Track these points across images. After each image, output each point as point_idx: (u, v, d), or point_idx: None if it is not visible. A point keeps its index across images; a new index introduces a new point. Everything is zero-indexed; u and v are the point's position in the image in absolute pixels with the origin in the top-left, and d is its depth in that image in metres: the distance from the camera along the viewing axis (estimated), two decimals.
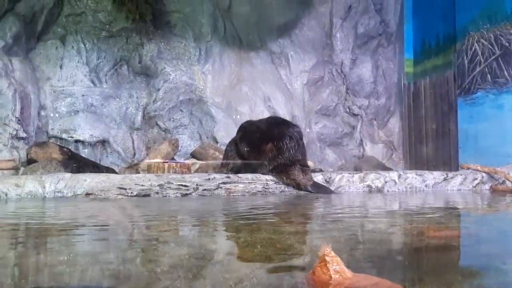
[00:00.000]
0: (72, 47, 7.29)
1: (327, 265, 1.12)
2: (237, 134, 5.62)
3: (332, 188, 4.99)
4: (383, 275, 1.34)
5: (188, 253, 1.71)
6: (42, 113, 7.05)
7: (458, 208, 3.61)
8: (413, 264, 1.55)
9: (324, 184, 5.02)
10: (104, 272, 1.37)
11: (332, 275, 1.11)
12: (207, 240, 2.04)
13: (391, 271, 1.40)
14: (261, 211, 3.29)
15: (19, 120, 6.57)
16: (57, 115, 7.13)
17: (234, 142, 5.66)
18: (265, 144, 5.06)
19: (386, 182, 5.14)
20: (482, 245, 1.91)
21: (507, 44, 6.59)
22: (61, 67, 7.25)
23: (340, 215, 3.08)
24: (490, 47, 6.83)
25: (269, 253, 1.64)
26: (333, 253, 1.15)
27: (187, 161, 6.56)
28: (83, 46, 7.32)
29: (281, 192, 4.88)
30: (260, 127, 5.30)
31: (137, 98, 7.49)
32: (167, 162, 5.86)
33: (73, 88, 7.20)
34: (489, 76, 6.84)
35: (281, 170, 4.92)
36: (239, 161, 5.42)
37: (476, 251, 1.77)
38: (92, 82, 7.32)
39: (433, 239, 1.96)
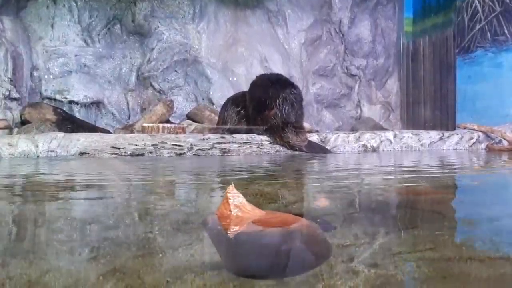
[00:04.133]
0: (64, 5, 7.09)
1: (229, 201, 1.23)
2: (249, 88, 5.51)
3: (327, 148, 4.97)
4: (370, 221, 1.33)
5: (179, 203, 1.71)
6: (35, 73, 6.93)
7: (449, 165, 3.60)
8: (403, 213, 1.54)
9: (320, 144, 5.00)
10: (101, 220, 1.36)
11: (232, 210, 1.22)
12: (198, 192, 2.03)
13: (381, 219, 1.39)
14: (254, 168, 3.28)
15: (11, 80, 6.46)
16: (50, 76, 7.01)
17: (229, 102, 5.62)
18: (263, 106, 4.98)
19: (381, 142, 5.13)
20: (472, 197, 1.90)
21: (508, 0, 6.42)
22: (52, 26, 7.07)
23: (332, 171, 3.07)
24: (491, 3, 6.66)
25: (260, 202, 1.63)
26: (235, 191, 1.25)
27: (182, 124, 6.52)
28: (74, 4, 7.12)
29: (276, 152, 4.87)
30: (261, 85, 5.23)
31: (130, 58, 7.34)
32: (163, 125, 5.80)
33: (66, 48, 7.05)
34: (489, 33, 6.71)
35: (275, 132, 4.88)
36: (235, 125, 5.38)
37: (466, 203, 1.76)
38: (85, 41, 7.16)
39: (424, 192, 1.95)
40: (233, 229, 1.15)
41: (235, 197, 1.25)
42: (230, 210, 1.22)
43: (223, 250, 1.00)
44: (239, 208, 1.23)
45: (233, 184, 1.27)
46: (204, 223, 1.25)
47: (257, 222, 1.18)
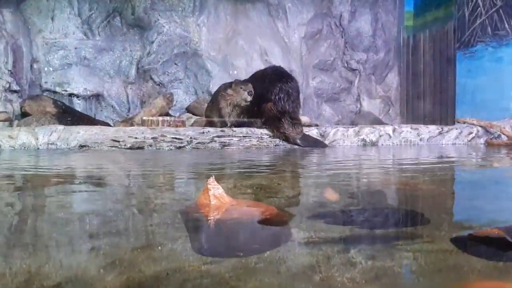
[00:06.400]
0: None
1: (209, 192, 1.32)
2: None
3: (327, 142, 4.98)
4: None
5: (179, 197, 1.72)
6: (35, 66, 6.92)
7: (443, 158, 3.62)
8: (399, 197, 1.55)
9: (316, 138, 5.01)
10: (104, 209, 1.37)
11: (212, 200, 1.31)
12: (199, 186, 2.04)
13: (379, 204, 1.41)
14: (254, 162, 3.29)
15: (11, 73, 6.47)
16: (50, 68, 7.00)
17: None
18: (261, 98, 5.00)
19: (380, 136, 5.14)
20: (470, 190, 1.91)
21: None
22: (52, 18, 7.05)
23: (329, 164, 3.08)
24: None
25: (259, 196, 1.65)
26: (215, 182, 1.34)
27: (182, 117, 6.52)
28: None
29: (275, 146, 4.88)
30: (259, 77, 5.25)
31: (130, 51, 7.33)
32: (163, 118, 5.80)
33: (66, 41, 7.03)
34: (489, 28, 6.69)
35: (271, 123, 4.90)
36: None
37: (464, 197, 1.78)
38: (85, 34, 7.14)
39: (419, 183, 1.97)
40: (211, 217, 1.24)
41: (215, 189, 1.33)
42: (209, 200, 1.31)
43: (196, 234, 1.11)
44: (218, 199, 1.32)
45: (213, 177, 1.35)
46: (183, 211, 1.34)
47: (233, 211, 1.28)
